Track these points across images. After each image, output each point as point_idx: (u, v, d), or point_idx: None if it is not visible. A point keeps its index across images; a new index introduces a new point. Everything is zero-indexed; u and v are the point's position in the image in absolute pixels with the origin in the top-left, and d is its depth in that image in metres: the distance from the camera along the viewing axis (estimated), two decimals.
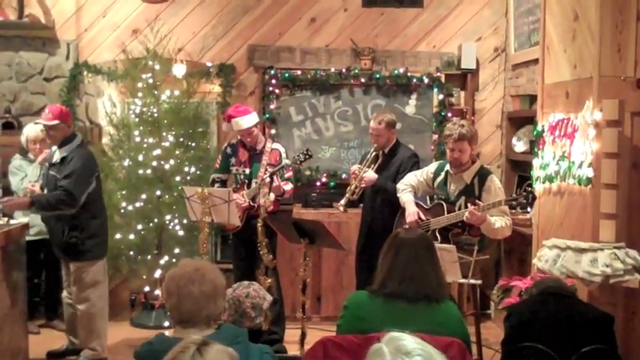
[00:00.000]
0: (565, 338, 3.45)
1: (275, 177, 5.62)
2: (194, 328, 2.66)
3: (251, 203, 5.74)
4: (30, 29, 7.07)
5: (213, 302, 2.70)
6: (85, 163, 5.42)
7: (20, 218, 5.79)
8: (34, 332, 6.19)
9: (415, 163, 5.85)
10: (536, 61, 5.91)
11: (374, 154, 5.92)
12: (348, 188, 5.92)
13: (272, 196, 5.65)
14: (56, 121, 5.40)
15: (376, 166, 5.89)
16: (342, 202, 5.86)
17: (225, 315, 3.46)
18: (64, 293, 5.70)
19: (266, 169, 5.75)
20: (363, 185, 5.84)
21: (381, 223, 5.77)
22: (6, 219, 5.40)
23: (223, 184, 6.04)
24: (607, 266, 4.24)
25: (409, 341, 1.90)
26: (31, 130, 6.25)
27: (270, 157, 5.85)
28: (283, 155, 5.88)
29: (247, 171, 5.90)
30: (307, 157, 5.70)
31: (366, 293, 3.35)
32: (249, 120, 5.81)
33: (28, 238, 5.73)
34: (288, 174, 5.93)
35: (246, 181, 5.87)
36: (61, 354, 5.73)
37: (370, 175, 5.81)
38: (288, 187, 5.86)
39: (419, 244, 3.32)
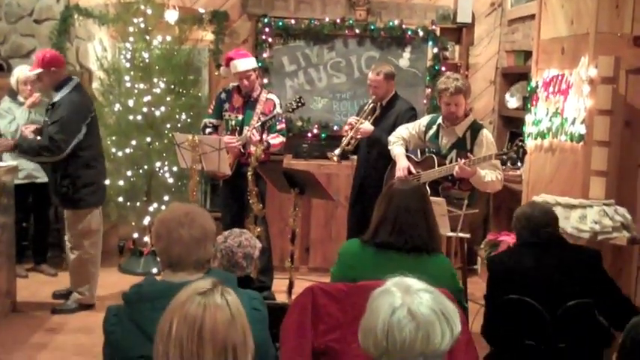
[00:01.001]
0: (551, 288, 3.48)
1: (256, 132, 5.60)
2: (183, 271, 2.65)
3: (241, 150, 5.71)
4: None
5: (203, 246, 2.69)
6: (73, 109, 5.31)
7: (9, 161, 5.76)
8: (22, 276, 6.21)
9: (412, 116, 5.82)
10: (532, 16, 5.85)
11: (371, 105, 5.89)
12: (343, 139, 5.89)
13: (253, 147, 5.61)
14: (39, 69, 5.33)
15: (373, 118, 5.86)
16: (337, 152, 5.82)
17: (216, 263, 3.47)
18: (67, 237, 5.67)
19: (259, 118, 5.73)
20: (359, 137, 5.81)
21: (375, 176, 5.77)
22: None
23: (215, 129, 6.01)
24: (596, 223, 4.27)
25: (415, 281, 1.94)
26: (22, 71, 6.18)
27: (264, 107, 5.81)
28: (277, 106, 5.83)
29: (240, 117, 5.86)
30: (300, 104, 5.66)
31: (358, 242, 3.37)
32: (248, 63, 5.81)
33: (16, 182, 5.71)
34: (281, 126, 5.90)
35: (238, 128, 5.84)
36: (65, 295, 5.75)
37: (366, 126, 5.78)
38: (279, 139, 5.82)
39: (412, 196, 3.33)
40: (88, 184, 5.45)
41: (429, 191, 5.00)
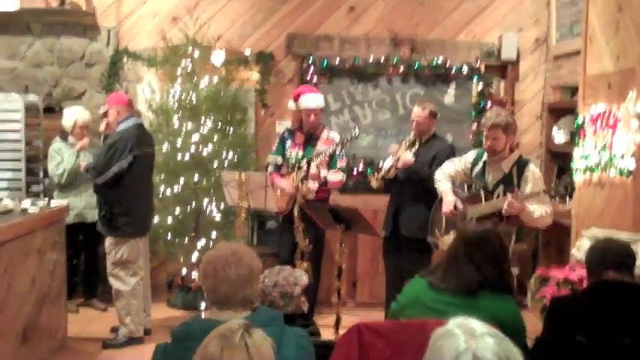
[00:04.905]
0: (611, 328, 3.27)
1: (313, 164, 5.65)
2: (230, 310, 2.67)
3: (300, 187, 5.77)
4: (71, 16, 7.16)
5: (250, 285, 2.71)
6: (118, 138, 5.54)
7: (60, 200, 5.90)
8: (73, 311, 6.31)
9: (451, 154, 5.79)
10: (577, 52, 5.83)
11: (412, 139, 5.89)
12: (385, 163, 5.91)
13: (311, 183, 5.68)
14: (106, 107, 5.75)
15: (413, 151, 5.86)
16: (378, 175, 5.84)
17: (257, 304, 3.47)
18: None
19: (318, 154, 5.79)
20: (400, 165, 5.79)
21: (409, 211, 5.80)
22: (47, 199, 5.51)
23: (278, 168, 6.07)
24: None
25: (479, 324, 1.90)
26: (83, 114, 6.39)
27: (325, 144, 5.89)
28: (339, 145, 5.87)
29: (300, 154, 5.95)
30: (355, 135, 5.68)
31: (425, 280, 3.42)
32: (318, 100, 5.95)
33: (67, 221, 5.84)
34: (341, 163, 5.96)
35: (298, 164, 5.90)
36: (117, 329, 5.80)
37: (408, 156, 5.76)
38: (338, 176, 5.87)
39: (465, 240, 3.42)
40: (126, 214, 5.56)
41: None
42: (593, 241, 3.71)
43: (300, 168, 5.78)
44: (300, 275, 3.61)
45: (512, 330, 2.99)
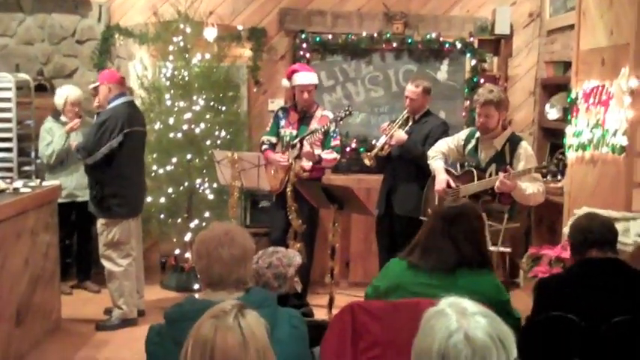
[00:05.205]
0: (598, 306, 3.31)
1: (306, 142, 5.64)
2: (223, 290, 2.67)
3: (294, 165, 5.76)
4: None
5: (243, 265, 2.71)
6: (109, 117, 5.48)
7: (51, 181, 5.87)
8: (67, 293, 6.31)
9: (444, 131, 5.79)
10: (571, 26, 5.81)
11: (406, 116, 5.88)
12: (378, 142, 5.91)
13: (305, 161, 5.68)
14: (97, 84, 5.72)
15: (406, 128, 5.84)
16: (371, 153, 5.84)
17: (250, 284, 3.47)
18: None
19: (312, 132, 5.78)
20: (393, 143, 5.79)
21: (403, 188, 5.82)
22: (38, 181, 5.48)
23: (272, 146, 6.06)
24: (639, 235, 4.20)
25: (470, 304, 1.91)
26: (74, 91, 6.34)
27: (319, 123, 5.87)
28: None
29: (294, 132, 5.94)
30: (348, 113, 5.69)
31: (404, 262, 3.40)
32: (311, 77, 5.95)
33: (59, 201, 5.80)
34: (335, 142, 5.95)
35: (291, 143, 5.88)
36: (111, 311, 5.81)
37: (400, 134, 5.76)
38: (332, 155, 5.85)
39: (442, 216, 3.40)
40: (117, 195, 5.53)
41: None
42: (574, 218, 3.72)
43: (293, 147, 5.77)
44: (293, 256, 3.61)
45: (496, 302, 3.01)
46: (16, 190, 5.13)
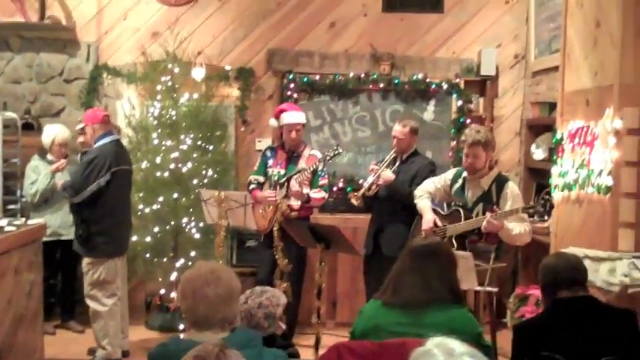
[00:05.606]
0: (583, 347, 3.29)
1: (294, 181, 5.65)
2: (209, 330, 2.65)
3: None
4: (51, 31, 7.13)
5: (229, 305, 2.69)
6: (95, 157, 5.49)
7: (36, 219, 5.83)
8: (50, 333, 6.23)
9: (431, 171, 5.81)
10: (556, 68, 5.86)
11: (393, 156, 5.90)
12: (366, 182, 5.92)
13: (293, 200, 5.68)
14: (82, 125, 5.70)
15: (393, 168, 5.86)
16: (359, 193, 5.84)
17: (238, 323, 3.43)
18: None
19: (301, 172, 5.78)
20: (380, 183, 5.80)
21: (391, 228, 5.81)
22: (23, 219, 5.44)
23: (260, 186, 6.05)
24: (625, 276, 4.20)
25: (456, 344, 1.90)
26: (62, 131, 6.35)
27: (307, 162, 5.87)
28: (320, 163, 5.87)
29: (282, 172, 5.95)
30: (337, 152, 5.71)
31: (379, 302, 3.36)
32: (299, 116, 5.97)
33: (44, 239, 5.75)
34: (323, 181, 5.95)
35: (280, 182, 5.89)
36: (94, 351, 5.74)
37: (388, 174, 5.78)
38: (320, 194, 5.86)
39: (413, 254, 3.39)
40: (103, 233, 5.51)
41: (455, 245, 5.00)
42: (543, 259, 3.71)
43: (282, 186, 5.77)
44: (279, 295, 3.59)
45: (471, 335, 3.00)
46: (0, 228, 5.08)
